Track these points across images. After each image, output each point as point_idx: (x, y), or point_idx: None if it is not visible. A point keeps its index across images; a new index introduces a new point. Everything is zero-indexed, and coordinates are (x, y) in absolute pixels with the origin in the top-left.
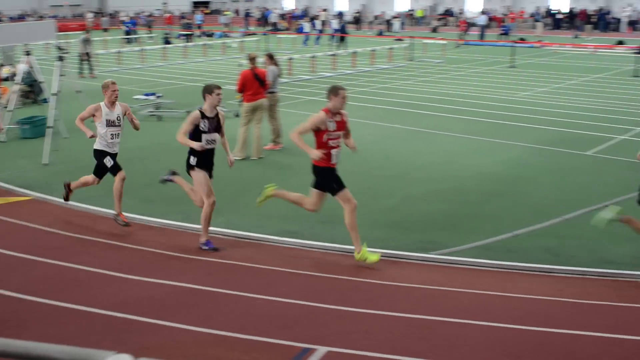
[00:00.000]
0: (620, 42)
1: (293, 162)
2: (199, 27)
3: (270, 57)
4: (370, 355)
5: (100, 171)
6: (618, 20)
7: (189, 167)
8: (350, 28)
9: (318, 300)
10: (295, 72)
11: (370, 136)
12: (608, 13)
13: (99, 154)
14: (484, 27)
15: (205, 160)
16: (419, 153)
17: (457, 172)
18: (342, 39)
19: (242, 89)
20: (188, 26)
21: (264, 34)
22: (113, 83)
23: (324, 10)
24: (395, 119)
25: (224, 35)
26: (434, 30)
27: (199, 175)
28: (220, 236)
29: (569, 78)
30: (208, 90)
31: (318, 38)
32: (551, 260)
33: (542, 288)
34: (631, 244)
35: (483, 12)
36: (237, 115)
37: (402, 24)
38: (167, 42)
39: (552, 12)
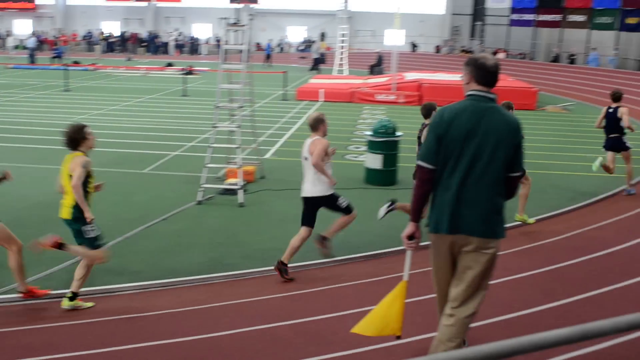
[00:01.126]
0: (170, 64)
1: None
2: None
3: None
4: None
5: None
6: (166, 44)
7: None
8: None
9: None
10: None
11: None
12: (157, 37)
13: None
14: (34, 50)
15: None
16: None
17: (12, 203)
18: None
19: None
20: None
21: None
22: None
23: None
24: None
25: None
26: None
27: None
28: None
29: (124, 100)
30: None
31: None
32: (115, 280)
33: (107, 308)
34: (189, 251)
35: (33, 35)
36: None
37: None
38: None
39: (105, 35)
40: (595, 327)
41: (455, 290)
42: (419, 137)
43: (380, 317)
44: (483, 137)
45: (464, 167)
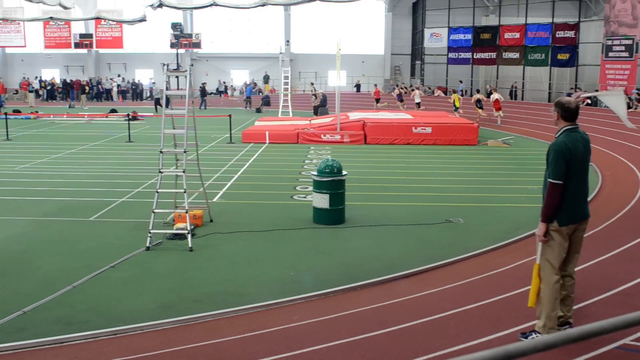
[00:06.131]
0: (113, 111)
1: None
2: None
3: None
4: None
5: None
6: (109, 90)
7: None
8: None
9: None
10: None
11: None
12: (99, 83)
13: None
14: None
15: None
16: None
17: None
18: None
19: None
20: None
21: None
22: None
23: None
24: None
25: None
26: None
27: None
28: None
29: (68, 147)
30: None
31: None
32: (64, 330)
33: None
34: (139, 298)
35: None
36: None
37: None
38: None
39: (47, 83)
40: (515, 347)
41: (572, 263)
42: None
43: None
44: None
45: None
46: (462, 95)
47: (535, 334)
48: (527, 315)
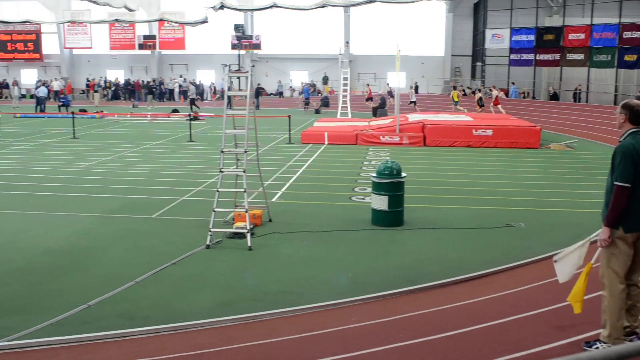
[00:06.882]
0: (175, 111)
1: None
2: None
3: None
4: None
5: None
6: (171, 91)
7: None
8: None
9: None
10: None
11: None
12: (162, 84)
13: None
14: (44, 99)
15: None
16: None
17: (23, 251)
18: None
19: None
20: None
21: None
22: None
23: None
24: None
25: None
26: None
27: None
28: None
29: (131, 146)
30: None
31: None
32: (126, 325)
33: (119, 353)
34: (199, 295)
35: (43, 84)
36: None
37: None
38: None
39: (111, 82)
40: (587, 356)
41: (637, 272)
42: None
43: (575, 289)
44: None
45: None
46: (524, 97)
47: (600, 343)
48: (592, 323)
